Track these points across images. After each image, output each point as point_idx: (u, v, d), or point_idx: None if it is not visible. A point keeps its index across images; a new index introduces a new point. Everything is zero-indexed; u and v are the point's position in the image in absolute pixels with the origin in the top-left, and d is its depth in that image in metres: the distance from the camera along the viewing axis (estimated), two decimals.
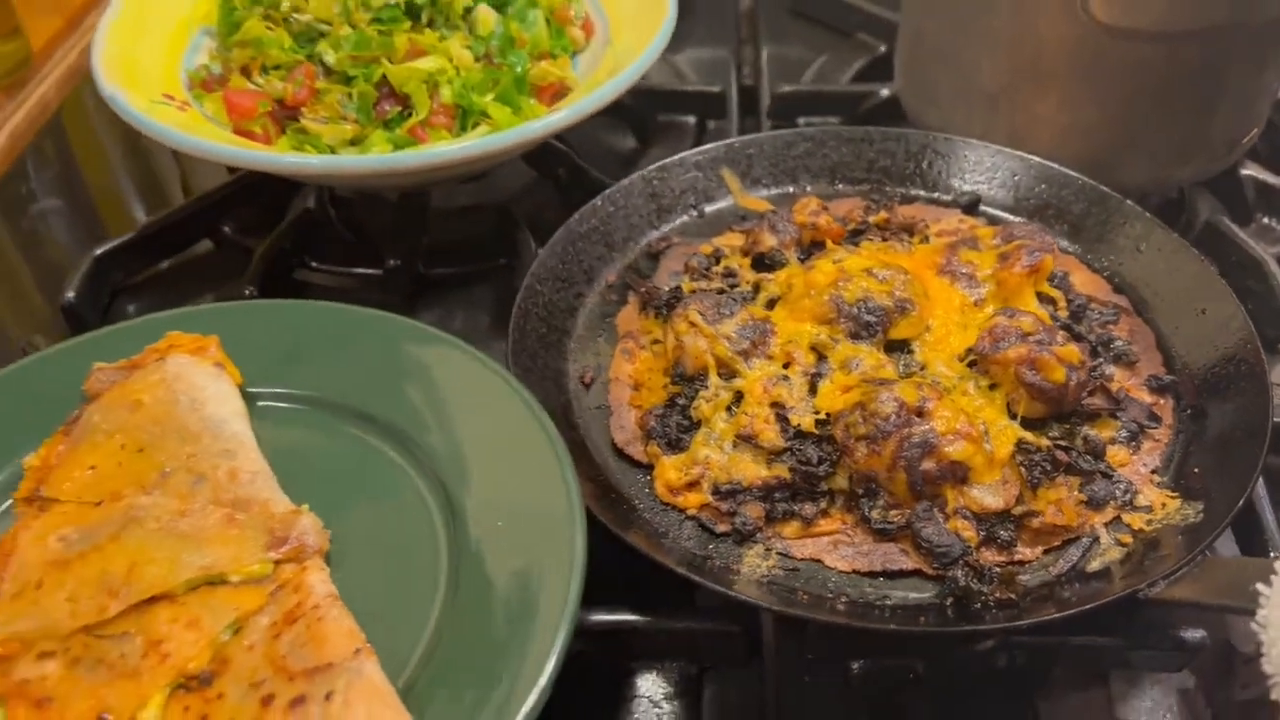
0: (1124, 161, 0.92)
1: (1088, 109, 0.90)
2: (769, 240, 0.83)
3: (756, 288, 0.80)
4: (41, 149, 1.18)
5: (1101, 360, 0.76)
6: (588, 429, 0.76)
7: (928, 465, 0.66)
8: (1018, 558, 0.66)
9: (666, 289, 0.83)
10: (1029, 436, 0.69)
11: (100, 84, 0.89)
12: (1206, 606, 0.62)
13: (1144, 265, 0.84)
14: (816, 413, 0.70)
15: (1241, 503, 0.64)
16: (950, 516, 0.66)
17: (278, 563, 0.63)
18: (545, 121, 0.85)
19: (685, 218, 0.93)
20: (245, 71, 0.95)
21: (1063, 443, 0.70)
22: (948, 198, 0.93)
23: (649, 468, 0.73)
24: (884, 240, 0.84)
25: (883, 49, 1.21)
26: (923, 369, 0.73)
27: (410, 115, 0.91)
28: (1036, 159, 0.91)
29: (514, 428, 0.69)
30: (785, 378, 0.72)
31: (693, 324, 0.74)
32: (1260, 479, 0.67)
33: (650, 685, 0.67)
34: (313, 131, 0.89)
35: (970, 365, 0.73)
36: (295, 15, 0.94)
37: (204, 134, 0.86)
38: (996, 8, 0.88)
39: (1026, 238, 0.78)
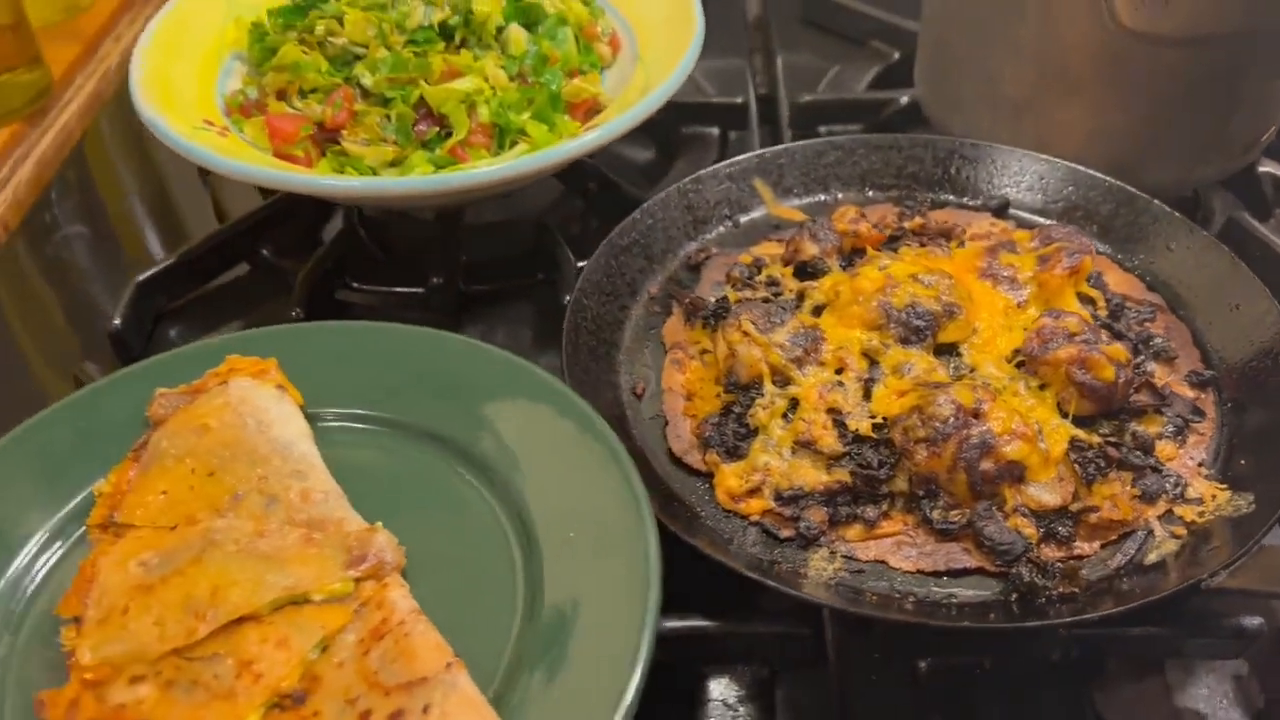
0: (1148, 163, 0.94)
1: (1113, 113, 0.92)
2: (811, 249, 0.84)
3: (801, 296, 0.82)
4: (66, 177, 1.19)
5: (1143, 358, 0.77)
6: (644, 439, 0.77)
7: (986, 465, 0.68)
8: (1077, 552, 0.68)
9: (713, 299, 0.85)
10: (1081, 434, 0.71)
11: (141, 110, 0.90)
12: (1269, 595, 0.63)
13: (1175, 263, 0.86)
14: (873, 417, 0.72)
15: None
16: (1010, 515, 0.68)
17: (358, 580, 0.64)
18: (585, 139, 0.87)
19: (721, 229, 0.94)
20: (281, 95, 0.96)
21: (1113, 439, 0.72)
22: (977, 202, 0.95)
23: (707, 476, 0.75)
24: (921, 246, 0.86)
25: (897, 56, 1.23)
26: (972, 371, 0.75)
27: (447, 135, 0.93)
28: (1063, 162, 0.93)
29: (576, 439, 0.70)
30: (840, 383, 0.74)
31: (746, 333, 0.75)
32: None
33: (723, 689, 0.68)
34: (354, 154, 0.90)
35: (1018, 366, 0.74)
36: (331, 39, 0.95)
37: (249, 159, 0.87)
38: (1024, 17, 0.90)
39: (1064, 240, 0.80)
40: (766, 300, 0.82)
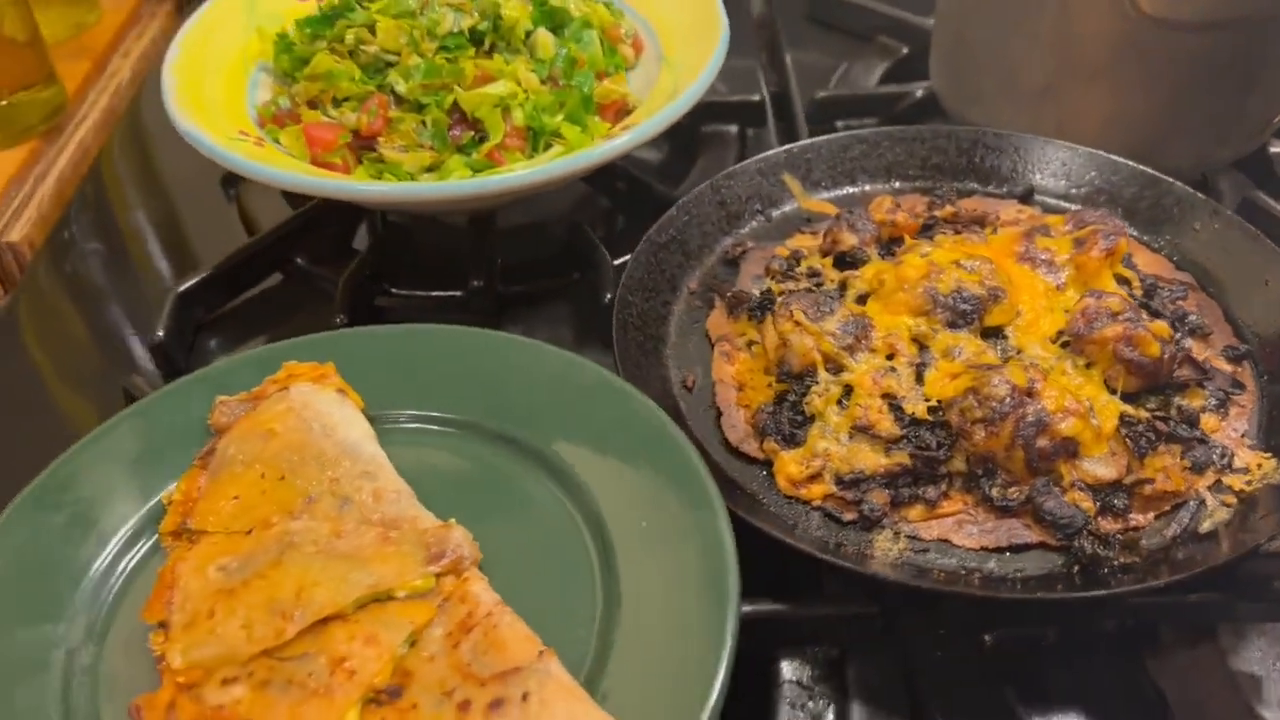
0: (1167, 146, 0.96)
1: (1132, 98, 0.94)
2: (850, 239, 0.86)
3: (843, 286, 0.84)
4: (85, 193, 1.19)
5: (1180, 334, 0.80)
6: (699, 430, 0.79)
7: (1043, 442, 0.70)
8: (1133, 524, 0.70)
9: (756, 292, 0.86)
10: (1130, 410, 0.73)
11: (179, 124, 0.90)
12: None
13: (1201, 243, 0.88)
14: (927, 400, 0.74)
15: None
16: (1067, 490, 0.70)
17: (438, 576, 0.65)
18: (622, 140, 0.88)
19: (754, 223, 0.96)
20: (312, 104, 0.97)
21: (1160, 414, 0.74)
22: (1002, 190, 0.97)
23: (765, 464, 0.76)
24: (956, 233, 0.87)
25: (905, 50, 1.26)
26: (1019, 353, 0.77)
27: (481, 140, 0.94)
28: (1085, 148, 0.95)
29: (636, 431, 0.72)
30: (892, 369, 0.76)
31: (798, 323, 0.77)
32: None
33: (796, 670, 0.69)
34: (391, 160, 0.91)
35: (1063, 346, 0.77)
36: (362, 47, 0.96)
37: (292, 167, 0.88)
38: (1042, 7, 0.93)
39: (1098, 222, 0.83)
40: (810, 291, 0.83)
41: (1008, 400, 0.70)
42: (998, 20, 0.98)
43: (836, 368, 0.76)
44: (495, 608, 0.63)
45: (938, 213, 0.91)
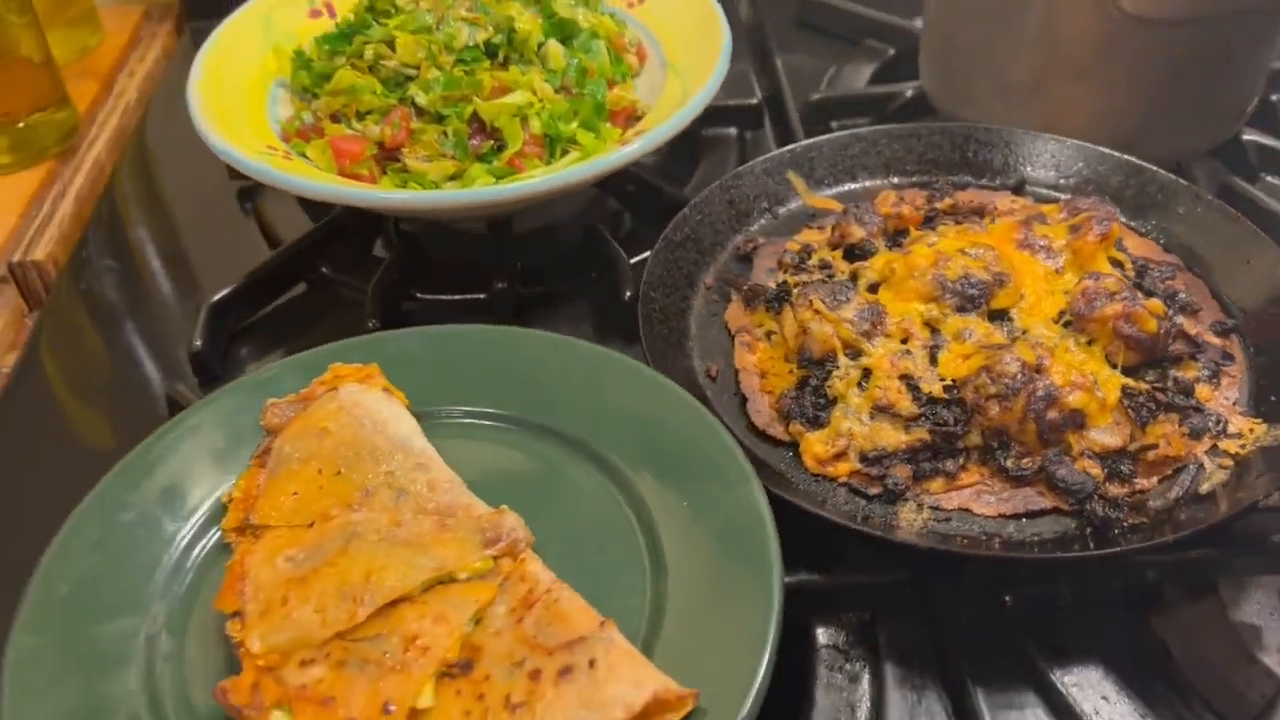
0: (1148, 137, 1.02)
1: (1115, 93, 1.00)
2: (858, 232, 0.91)
3: (854, 276, 0.89)
4: (101, 211, 1.21)
5: (1172, 311, 0.85)
6: (725, 416, 0.83)
7: (1053, 415, 0.75)
8: (1139, 488, 0.75)
9: (771, 285, 0.91)
10: (1130, 382, 0.78)
11: (210, 141, 0.94)
12: None
13: (1186, 226, 0.94)
14: (942, 379, 0.79)
15: None
16: (1076, 458, 0.75)
17: (496, 558, 0.69)
18: (639, 144, 0.92)
19: (762, 220, 1.01)
20: (335, 118, 1.00)
21: (1158, 385, 0.79)
22: (995, 182, 1.02)
23: (791, 446, 0.81)
24: (957, 223, 0.93)
25: (892, 52, 1.31)
26: (1025, 333, 0.82)
27: (499, 148, 0.98)
28: (1071, 140, 1.01)
29: (671, 416, 0.76)
30: (907, 352, 0.81)
31: (817, 311, 0.82)
32: None
33: (831, 635, 0.74)
34: (416, 170, 0.95)
35: (1065, 325, 0.82)
36: (383, 62, 1.00)
37: (322, 179, 0.92)
38: (1029, 10, 0.98)
39: (1091, 209, 0.88)
40: (824, 282, 0.88)
41: (1019, 377, 0.75)
42: (986, 22, 1.03)
43: (855, 352, 0.81)
44: (553, 584, 0.67)
45: (938, 205, 0.96)
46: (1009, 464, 0.76)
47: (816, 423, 0.80)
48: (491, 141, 0.98)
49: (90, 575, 0.69)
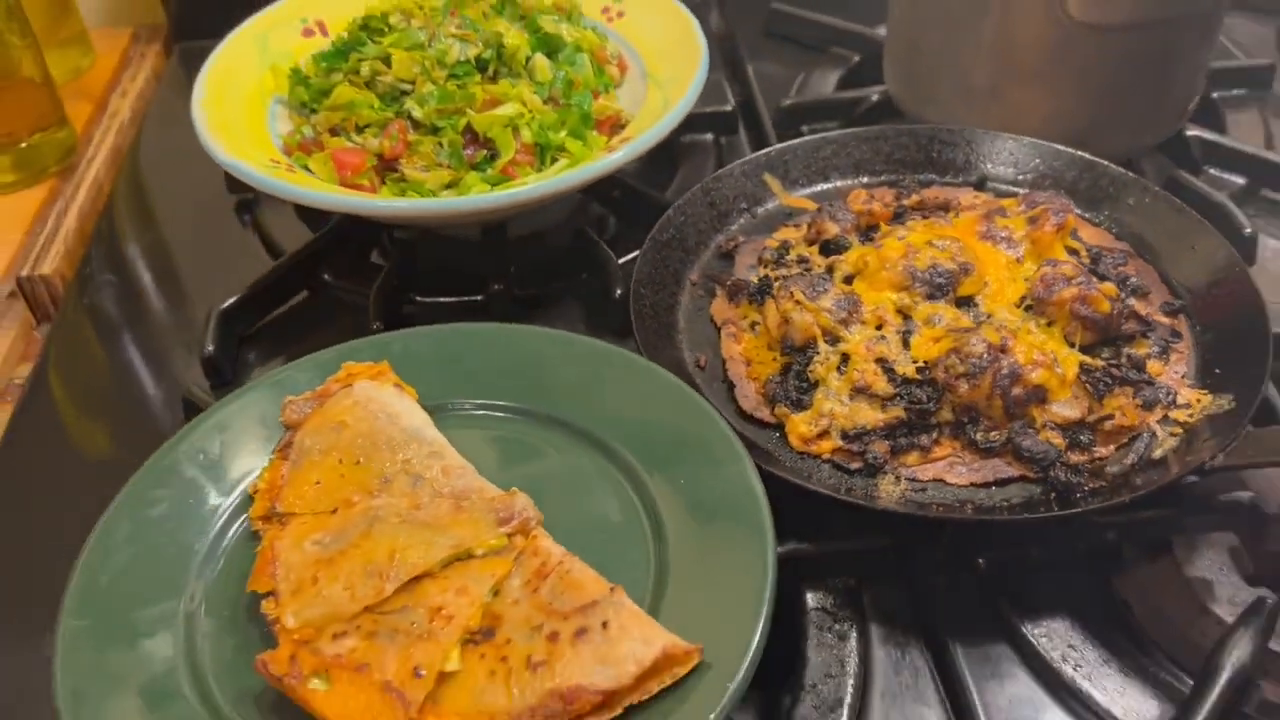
0: (1099, 134, 1.09)
1: (1067, 95, 1.07)
2: (833, 228, 0.97)
3: (830, 269, 0.95)
4: (101, 228, 1.25)
5: (1124, 294, 0.92)
6: (714, 402, 0.88)
7: (1017, 391, 0.81)
8: (1098, 455, 0.82)
9: (754, 279, 0.97)
10: (1087, 359, 0.85)
11: (218, 157, 0.99)
12: (1262, 464, 0.78)
13: (1135, 216, 1.01)
14: (915, 361, 0.85)
15: (1264, 386, 0.81)
16: (1040, 430, 0.82)
17: (510, 536, 0.75)
18: (625, 151, 0.98)
19: (742, 220, 1.07)
20: (334, 132, 1.06)
21: (1113, 361, 0.86)
22: (958, 179, 1.09)
23: (778, 427, 0.87)
24: (924, 218, 0.99)
25: (857, 59, 1.38)
26: (989, 317, 0.88)
27: (493, 157, 1.04)
28: (1028, 139, 1.07)
29: (665, 402, 0.82)
30: (882, 337, 0.87)
31: (798, 302, 0.88)
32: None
33: (820, 599, 0.80)
34: (414, 179, 1.01)
35: (1027, 309, 0.88)
36: (379, 77, 1.05)
37: (327, 190, 0.97)
38: (986, 14, 1.05)
39: (1047, 202, 0.95)
40: (803, 274, 0.94)
41: (985, 357, 0.82)
42: (947, 29, 1.10)
43: (834, 339, 0.87)
44: (565, 557, 0.72)
45: (905, 202, 1.03)
46: (978, 437, 0.82)
47: (800, 405, 0.86)
48: (485, 151, 1.03)
49: (126, 564, 0.74)
